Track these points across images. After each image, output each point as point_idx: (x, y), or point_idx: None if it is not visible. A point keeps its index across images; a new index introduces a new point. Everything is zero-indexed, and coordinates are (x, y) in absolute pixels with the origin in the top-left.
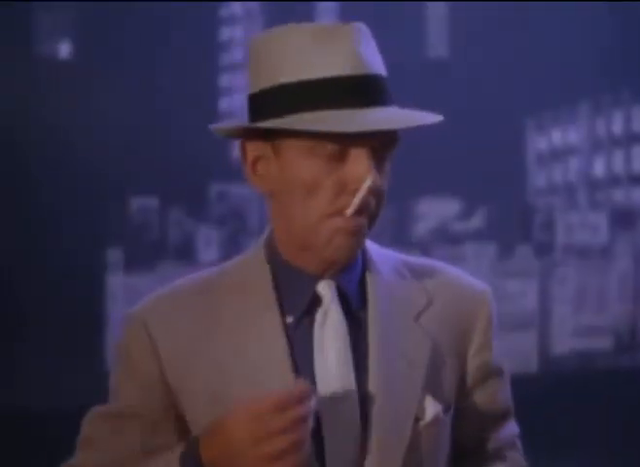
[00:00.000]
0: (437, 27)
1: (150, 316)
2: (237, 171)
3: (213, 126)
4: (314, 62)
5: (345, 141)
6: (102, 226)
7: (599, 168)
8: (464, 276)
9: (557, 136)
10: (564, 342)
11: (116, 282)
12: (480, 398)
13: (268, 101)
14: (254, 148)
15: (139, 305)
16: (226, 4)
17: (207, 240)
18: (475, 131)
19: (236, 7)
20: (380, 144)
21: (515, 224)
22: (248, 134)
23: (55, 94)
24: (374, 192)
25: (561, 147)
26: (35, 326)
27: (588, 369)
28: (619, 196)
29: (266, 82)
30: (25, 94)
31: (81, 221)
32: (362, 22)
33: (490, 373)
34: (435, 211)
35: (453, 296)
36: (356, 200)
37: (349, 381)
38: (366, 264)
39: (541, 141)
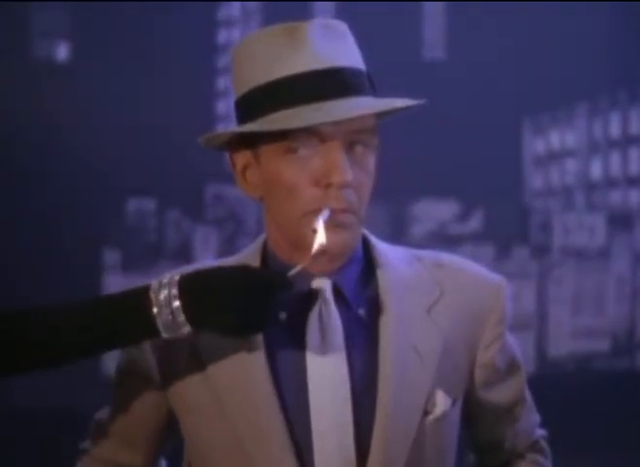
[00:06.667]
0: (433, 28)
1: None
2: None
3: (201, 140)
4: (273, 65)
5: (311, 137)
6: (100, 227)
7: (596, 170)
8: (478, 269)
9: (554, 138)
10: (561, 344)
11: (113, 284)
12: (492, 392)
13: (242, 108)
14: (240, 157)
15: None
16: (223, 6)
17: (204, 242)
18: (472, 133)
19: (234, 9)
20: (352, 136)
21: (512, 225)
22: (233, 145)
23: (53, 96)
24: (351, 185)
25: (558, 149)
26: None
27: (586, 371)
28: (616, 197)
29: (241, 89)
30: (23, 95)
31: (78, 222)
32: (339, 20)
33: (502, 367)
34: (432, 213)
35: (466, 288)
36: (332, 198)
37: (342, 378)
38: (372, 260)
39: (538, 143)
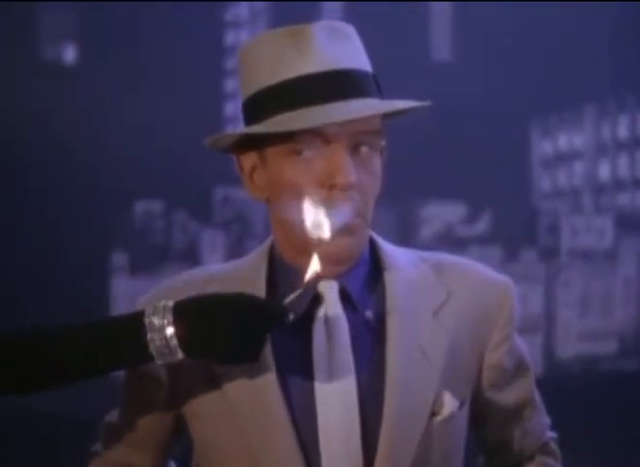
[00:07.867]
0: (440, 30)
1: None
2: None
3: (207, 142)
4: (278, 67)
5: (316, 138)
6: (107, 229)
7: (604, 172)
8: (485, 270)
9: (562, 140)
10: (569, 347)
11: (121, 286)
12: (500, 394)
13: (248, 110)
14: (247, 159)
15: (146, 295)
16: (231, 6)
17: (212, 244)
18: (479, 135)
19: (241, 10)
20: (357, 137)
21: (520, 228)
22: (241, 147)
23: (61, 97)
24: (355, 187)
25: (566, 151)
26: None
27: (593, 373)
28: (624, 200)
29: (248, 91)
30: (29, 97)
31: (86, 225)
32: (346, 22)
33: (510, 368)
34: (440, 215)
35: (473, 290)
36: (336, 199)
37: (349, 380)
38: (379, 262)
39: (546, 145)
